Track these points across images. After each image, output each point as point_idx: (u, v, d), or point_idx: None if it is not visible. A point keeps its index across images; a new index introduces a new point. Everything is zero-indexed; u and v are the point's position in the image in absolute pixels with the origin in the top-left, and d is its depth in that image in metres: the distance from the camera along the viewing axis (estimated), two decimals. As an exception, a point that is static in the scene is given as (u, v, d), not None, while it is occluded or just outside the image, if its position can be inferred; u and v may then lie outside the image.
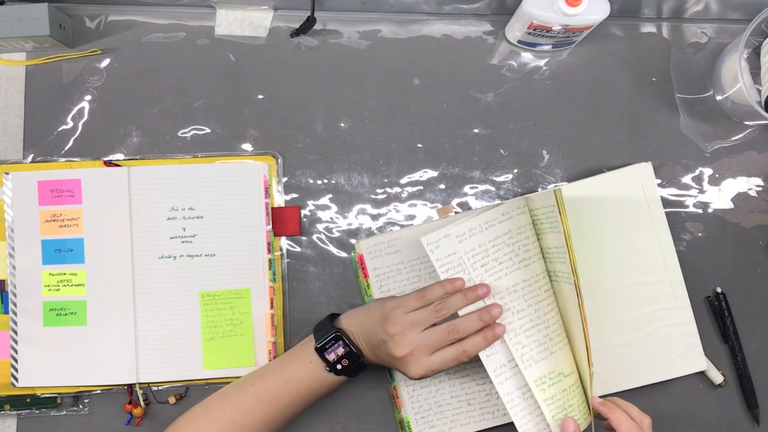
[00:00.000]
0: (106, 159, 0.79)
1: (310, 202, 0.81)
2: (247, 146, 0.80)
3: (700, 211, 0.83)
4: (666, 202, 0.82)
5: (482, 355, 0.69)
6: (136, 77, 0.80)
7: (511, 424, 0.77)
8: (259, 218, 0.78)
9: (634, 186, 0.80)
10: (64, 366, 0.77)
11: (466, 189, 0.82)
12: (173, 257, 0.78)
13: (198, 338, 0.78)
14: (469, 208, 0.81)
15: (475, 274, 0.69)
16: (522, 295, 0.70)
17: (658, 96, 0.84)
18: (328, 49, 0.82)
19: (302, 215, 0.80)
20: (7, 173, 0.77)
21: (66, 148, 0.79)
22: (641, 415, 0.66)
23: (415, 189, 0.81)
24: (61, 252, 0.77)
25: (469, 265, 0.69)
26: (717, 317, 0.82)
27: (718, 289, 0.82)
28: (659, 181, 0.82)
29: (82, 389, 0.77)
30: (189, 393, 0.79)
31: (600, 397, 0.70)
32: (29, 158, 0.79)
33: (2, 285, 0.78)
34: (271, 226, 0.79)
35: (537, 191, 0.81)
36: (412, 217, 0.81)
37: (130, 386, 0.77)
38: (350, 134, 0.81)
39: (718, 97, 0.84)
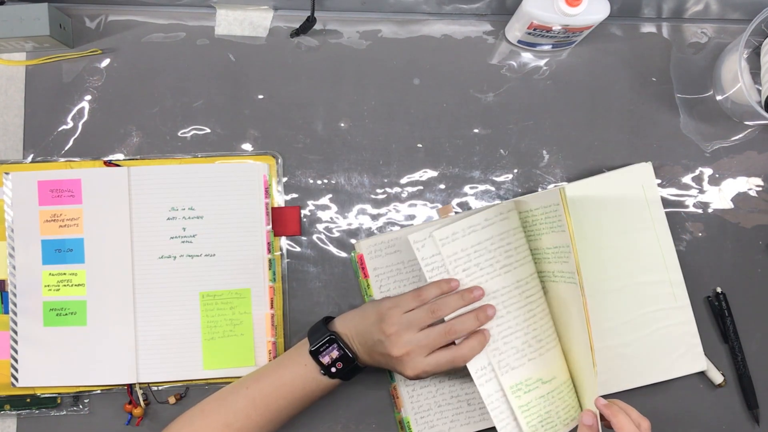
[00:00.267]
0: (106, 159, 0.79)
1: (310, 202, 0.81)
2: (247, 146, 0.80)
3: (700, 211, 0.83)
4: (666, 202, 0.82)
5: None
6: (136, 77, 0.80)
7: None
8: (259, 218, 0.78)
9: (634, 186, 0.80)
10: (64, 366, 0.77)
11: (466, 189, 0.82)
12: (173, 257, 0.78)
13: (198, 338, 0.78)
14: (469, 208, 0.81)
15: (457, 279, 0.69)
16: (501, 302, 0.70)
17: (658, 96, 0.84)
18: (328, 49, 0.82)
19: (302, 215, 0.80)
20: (7, 173, 0.77)
21: (66, 148, 0.79)
22: (640, 418, 0.66)
23: (415, 189, 0.81)
24: (61, 252, 0.77)
25: (451, 268, 0.69)
26: (717, 317, 0.82)
27: (718, 289, 0.82)
28: (659, 181, 0.82)
29: (82, 389, 0.77)
30: (189, 393, 0.79)
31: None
32: (29, 158, 0.79)
33: (2, 285, 0.78)
34: (271, 226, 0.79)
35: (537, 191, 0.81)
36: (412, 217, 0.81)
37: (130, 386, 0.77)
38: (350, 134, 0.81)
39: (718, 97, 0.84)
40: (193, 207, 0.78)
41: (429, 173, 0.82)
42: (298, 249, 0.80)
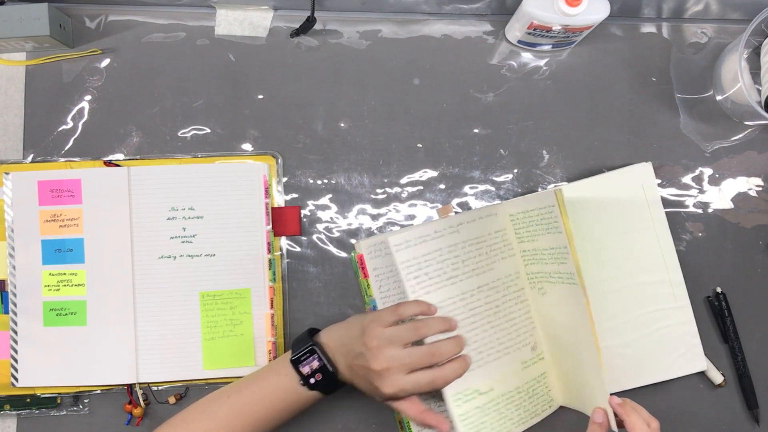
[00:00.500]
0: (106, 159, 0.79)
1: (310, 202, 0.81)
2: (247, 146, 0.80)
3: (700, 211, 0.83)
4: (666, 202, 0.82)
5: None
6: (136, 77, 0.80)
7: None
8: (259, 218, 0.78)
9: (634, 186, 0.80)
10: (64, 366, 0.77)
11: (466, 189, 0.82)
12: (173, 257, 0.78)
13: (198, 338, 0.78)
14: (469, 208, 0.81)
15: (408, 286, 0.70)
16: (447, 312, 0.71)
17: (658, 96, 0.84)
18: (328, 49, 0.82)
19: (302, 215, 0.80)
20: (7, 173, 0.77)
21: (66, 148, 0.79)
22: (650, 418, 0.66)
23: (415, 189, 0.81)
24: (61, 252, 0.77)
25: (403, 276, 0.70)
26: (717, 317, 0.82)
27: (718, 289, 0.82)
28: (659, 181, 0.82)
29: (82, 389, 0.77)
30: (189, 393, 0.79)
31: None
32: (29, 158, 0.79)
33: (2, 285, 0.78)
34: (271, 226, 0.79)
35: (537, 191, 0.81)
36: (412, 217, 0.81)
37: (130, 386, 0.77)
38: (350, 134, 0.81)
39: (718, 97, 0.84)
40: (193, 207, 0.78)
41: (429, 173, 0.82)
42: (298, 249, 0.80)
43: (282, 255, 0.80)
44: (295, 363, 0.69)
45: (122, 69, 0.80)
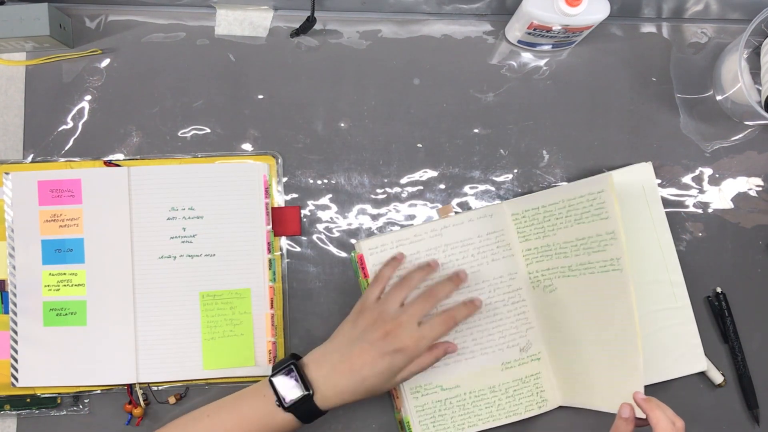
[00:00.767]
0: (106, 159, 0.79)
1: (310, 202, 0.81)
2: (247, 146, 0.80)
3: (700, 211, 0.83)
4: (666, 202, 0.82)
5: None
6: (136, 77, 0.80)
7: (513, 424, 0.78)
8: (259, 218, 0.78)
9: (634, 186, 0.80)
10: (64, 366, 0.77)
11: (466, 189, 0.82)
12: (173, 257, 0.78)
13: (198, 338, 0.78)
14: (470, 208, 0.81)
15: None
16: None
17: (658, 96, 0.84)
18: (328, 49, 0.82)
19: (302, 215, 0.80)
20: (7, 173, 0.77)
21: (66, 148, 0.79)
22: (675, 417, 0.66)
23: (415, 189, 0.81)
24: (61, 252, 0.77)
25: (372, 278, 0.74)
26: (717, 317, 0.82)
27: (718, 289, 0.82)
28: (659, 181, 0.82)
29: (82, 389, 0.77)
30: (189, 393, 0.79)
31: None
32: (29, 158, 0.79)
33: (2, 285, 0.78)
34: (271, 226, 0.79)
35: (536, 191, 0.81)
36: (412, 217, 0.81)
37: (130, 386, 0.77)
38: (350, 134, 0.81)
39: (718, 97, 0.84)
40: (193, 207, 0.78)
41: (429, 173, 0.82)
42: (298, 249, 0.80)
43: (282, 255, 0.80)
44: (273, 380, 0.69)
45: (122, 69, 0.80)
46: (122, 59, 0.81)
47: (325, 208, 0.81)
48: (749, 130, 0.84)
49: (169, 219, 0.78)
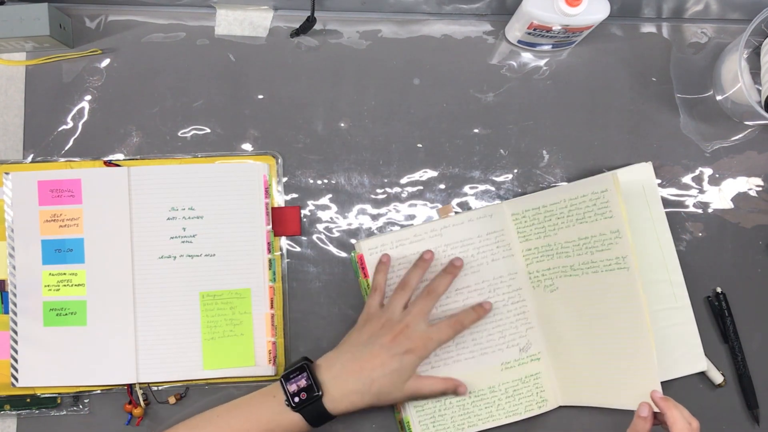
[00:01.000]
0: (106, 159, 0.79)
1: (310, 202, 0.81)
2: (247, 146, 0.80)
3: (700, 211, 0.83)
4: (666, 202, 0.82)
5: None
6: (136, 77, 0.80)
7: (513, 424, 0.78)
8: (259, 218, 0.78)
9: (634, 186, 0.80)
10: (64, 366, 0.77)
11: (466, 189, 0.82)
12: (173, 257, 0.78)
13: (198, 338, 0.78)
14: (469, 208, 0.81)
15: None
16: None
17: (658, 96, 0.84)
18: (328, 49, 0.82)
19: (302, 215, 0.80)
20: (7, 173, 0.77)
21: (66, 148, 0.79)
22: (691, 418, 0.66)
23: (415, 189, 0.81)
24: (61, 252, 0.77)
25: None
26: (717, 317, 0.82)
27: (718, 289, 0.82)
28: (659, 181, 0.82)
29: (82, 389, 0.77)
30: (189, 393, 0.79)
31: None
32: (29, 158, 0.79)
33: (2, 285, 0.78)
34: (271, 226, 0.79)
35: (536, 191, 0.81)
36: (412, 217, 0.81)
37: (130, 386, 0.77)
38: (350, 134, 0.81)
39: (718, 97, 0.84)
40: (193, 207, 0.78)
41: (429, 173, 0.82)
42: (298, 249, 0.80)
43: (282, 255, 0.80)
44: (284, 380, 0.69)
45: (122, 69, 0.80)
46: (122, 59, 0.81)
47: (325, 208, 0.81)
48: (749, 130, 0.84)
49: (169, 219, 0.78)
